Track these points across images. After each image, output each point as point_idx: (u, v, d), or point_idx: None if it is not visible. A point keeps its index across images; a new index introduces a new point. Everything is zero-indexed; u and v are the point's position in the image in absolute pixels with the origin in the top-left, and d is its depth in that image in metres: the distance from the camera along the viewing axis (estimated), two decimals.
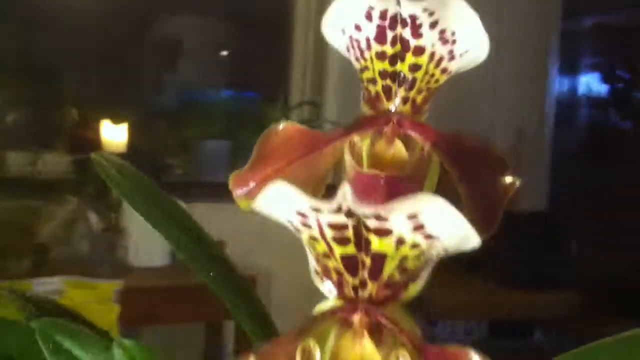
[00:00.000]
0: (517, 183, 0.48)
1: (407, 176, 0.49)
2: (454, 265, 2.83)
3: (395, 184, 0.47)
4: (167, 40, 3.44)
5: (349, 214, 0.35)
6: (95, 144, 2.86)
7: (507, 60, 3.45)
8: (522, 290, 2.88)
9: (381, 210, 0.33)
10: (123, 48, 3.36)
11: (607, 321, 3.21)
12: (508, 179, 0.48)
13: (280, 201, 0.35)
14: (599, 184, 3.75)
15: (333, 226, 0.36)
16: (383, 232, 0.35)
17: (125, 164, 0.74)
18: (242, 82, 3.48)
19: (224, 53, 3.59)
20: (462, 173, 0.48)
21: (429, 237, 0.35)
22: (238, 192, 0.51)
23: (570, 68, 3.97)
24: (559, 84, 3.83)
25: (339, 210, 0.34)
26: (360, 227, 0.36)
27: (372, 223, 0.35)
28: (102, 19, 3.35)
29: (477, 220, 0.48)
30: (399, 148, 0.50)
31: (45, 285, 2.52)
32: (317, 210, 0.34)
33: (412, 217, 0.34)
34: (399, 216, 0.34)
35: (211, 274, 0.69)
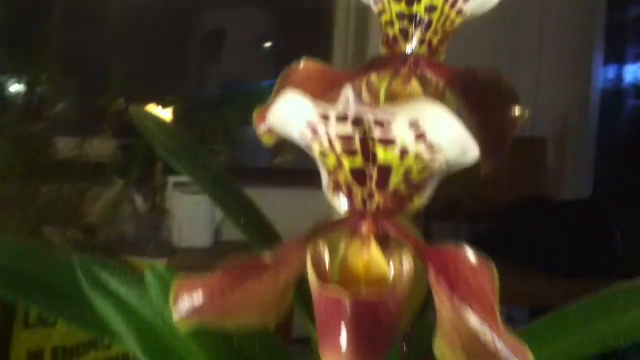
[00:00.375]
0: (526, 114, 0.50)
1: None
2: (497, 253, 2.84)
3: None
4: (211, 31, 3.50)
5: (356, 122, 0.37)
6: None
7: (551, 49, 3.42)
8: (565, 277, 2.85)
9: (383, 113, 0.36)
10: (168, 39, 3.43)
11: None
12: (517, 111, 0.50)
13: (292, 111, 0.38)
14: None
15: (341, 137, 0.38)
16: (387, 143, 0.38)
17: (161, 118, 0.78)
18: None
19: (267, 45, 3.63)
20: (473, 107, 0.50)
21: (430, 147, 0.38)
22: (261, 128, 0.54)
23: (616, 57, 3.91)
24: (604, 74, 3.78)
25: (345, 118, 0.37)
26: (366, 138, 0.38)
27: (377, 133, 0.38)
28: (148, 10, 3.43)
29: (487, 149, 0.50)
30: (415, 87, 0.53)
31: None
32: (325, 117, 0.37)
33: (414, 124, 0.37)
34: (400, 123, 0.36)
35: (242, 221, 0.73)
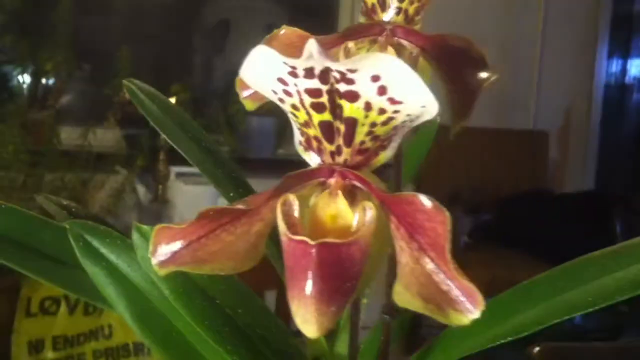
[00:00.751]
0: (494, 77, 0.52)
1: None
2: (499, 243, 2.84)
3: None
4: (217, 21, 3.52)
5: (322, 77, 0.39)
6: (143, 119, 2.96)
7: (555, 42, 3.43)
8: None
9: (345, 64, 0.38)
10: (174, 29, 3.46)
11: None
12: (484, 74, 0.53)
13: (262, 66, 0.40)
14: None
15: (309, 91, 0.41)
16: (352, 96, 0.40)
17: (155, 92, 0.80)
18: None
19: None
20: (445, 72, 0.53)
21: (392, 100, 0.40)
22: (243, 94, 0.56)
23: (620, 51, 3.92)
24: (608, 67, 3.79)
25: (311, 71, 0.39)
26: (332, 92, 0.40)
27: (341, 86, 0.40)
28: (154, 0, 3.46)
29: (456, 112, 0.52)
30: (391, 53, 0.55)
31: None
32: (293, 71, 0.39)
33: (376, 78, 0.39)
34: (363, 77, 0.38)
35: (231, 194, 0.75)
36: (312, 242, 0.39)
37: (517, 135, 3.41)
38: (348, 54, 0.55)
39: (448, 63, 0.53)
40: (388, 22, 0.55)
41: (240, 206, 0.43)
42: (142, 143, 2.92)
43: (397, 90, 0.39)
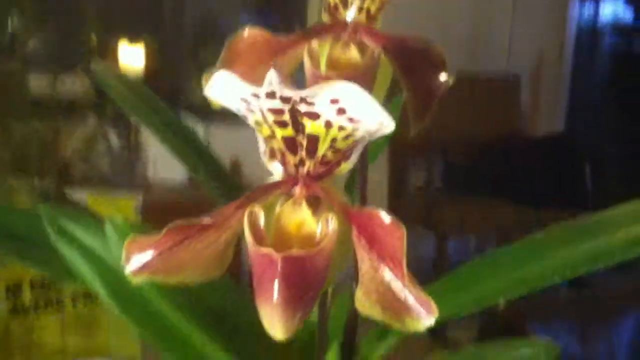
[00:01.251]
0: (451, 80, 0.54)
1: (359, 78, 0.55)
2: (468, 185, 2.89)
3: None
4: None
5: (283, 99, 0.41)
6: (113, 66, 2.93)
7: None
8: (537, 209, 2.93)
9: (305, 93, 0.40)
10: None
11: None
12: (443, 77, 0.55)
13: (226, 89, 0.42)
14: (618, 110, 3.75)
15: (272, 111, 0.42)
16: (313, 116, 0.42)
17: (123, 75, 0.81)
18: (261, 8, 3.50)
19: None
20: (404, 71, 0.55)
21: (351, 120, 0.42)
22: (210, 93, 0.57)
23: None
24: (580, 10, 3.79)
25: (273, 95, 0.41)
26: (294, 111, 0.42)
27: (302, 107, 0.42)
28: None
29: (415, 112, 0.54)
30: (353, 52, 0.56)
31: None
32: (255, 95, 0.41)
33: (334, 101, 0.41)
34: (322, 101, 0.40)
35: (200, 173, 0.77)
36: (276, 256, 0.42)
37: (489, 79, 3.43)
38: (312, 54, 0.56)
39: (408, 64, 0.55)
40: (350, 21, 0.57)
41: (208, 220, 0.45)
42: None
43: (355, 111, 0.41)
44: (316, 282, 0.44)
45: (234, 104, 0.43)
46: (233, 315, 0.69)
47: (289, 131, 0.44)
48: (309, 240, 0.45)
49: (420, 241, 3.10)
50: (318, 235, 0.45)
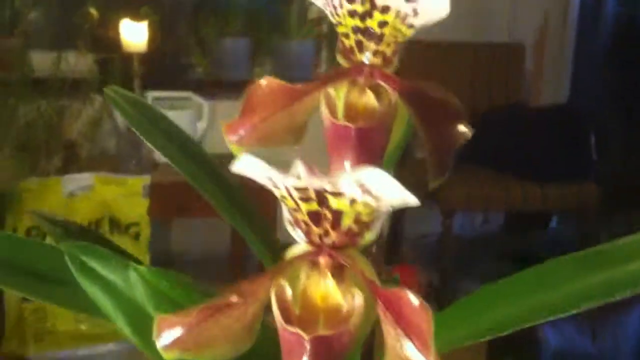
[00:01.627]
0: (470, 133, 0.54)
1: (376, 124, 0.54)
2: (472, 159, 2.89)
3: (365, 134, 0.53)
4: None
5: (309, 182, 0.41)
6: (116, 43, 2.91)
7: None
8: (541, 182, 2.93)
9: (329, 183, 0.40)
10: None
11: (623, 211, 3.29)
12: (462, 129, 0.54)
13: (252, 168, 0.42)
14: (622, 81, 3.71)
15: (297, 189, 0.43)
16: (338, 195, 0.42)
17: (133, 96, 0.81)
18: None
19: None
20: (422, 120, 0.54)
21: (376, 197, 0.42)
22: (231, 139, 0.57)
23: None
24: None
25: (300, 186, 0.41)
26: (320, 192, 0.43)
27: (328, 187, 0.42)
28: None
29: (433, 163, 0.54)
30: (370, 97, 0.56)
31: (75, 182, 2.64)
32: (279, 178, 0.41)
33: (359, 184, 0.41)
34: (348, 184, 0.41)
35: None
36: (305, 337, 0.43)
37: (493, 48, 3.39)
38: (328, 100, 0.56)
39: (425, 113, 0.54)
40: (366, 65, 0.56)
41: (235, 298, 0.46)
42: (115, 68, 2.88)
43: (380, 191, 0.41)
44: (343, 352, 0.45)
45: (259, 179, 0.43)
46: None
47: (314, 206, 0.44)
48: (335, 312, 0.46)
49: (423, 213, 3.11)
50: (344, 308, 0.46)
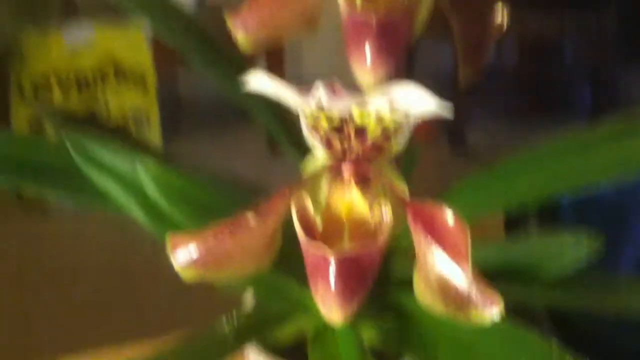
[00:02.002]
0: (506, 24, 0.49)
1: (400, 12, 0.49)
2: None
3: (387, 24, 0.47)
4: None
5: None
6: None
7: None
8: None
9: (355, 104, 0.36)
10: None
11: None
12: (498, 20, 0.49)
13: (266, 87, 0.38)
14: None
15: (318, 109, 0.39)
16: (364, 114, 0.39)
17: None
18: None
19: None
20: (457, 15, 0.49)
21: (405, 115, 0.39)
22: (237, 30, 0.52)
23: None
24: None
25: (321, 108, 0.37)
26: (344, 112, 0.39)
27: (353, 109, 0.38)
28: None
29: (465, 60, 0.50)
30: None
31: (76, 34, 2.57)
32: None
33: (389, 102, 0.37)
34: (375, 105, 0.37)
35: None
36: (330, 255, 0.41)
37: None
38: None
39: (461, 6, 0.49)
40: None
41: (253, 217, 0.43)
42: None
43: (409, 107, 0.38)
44: (371, 269, 0.43)
45: (277, 97, 0.39)
46: None
47: (337, 123, 0.40)
48: (360, 224, 0.44)
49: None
50: (371, 221, 0.43)
